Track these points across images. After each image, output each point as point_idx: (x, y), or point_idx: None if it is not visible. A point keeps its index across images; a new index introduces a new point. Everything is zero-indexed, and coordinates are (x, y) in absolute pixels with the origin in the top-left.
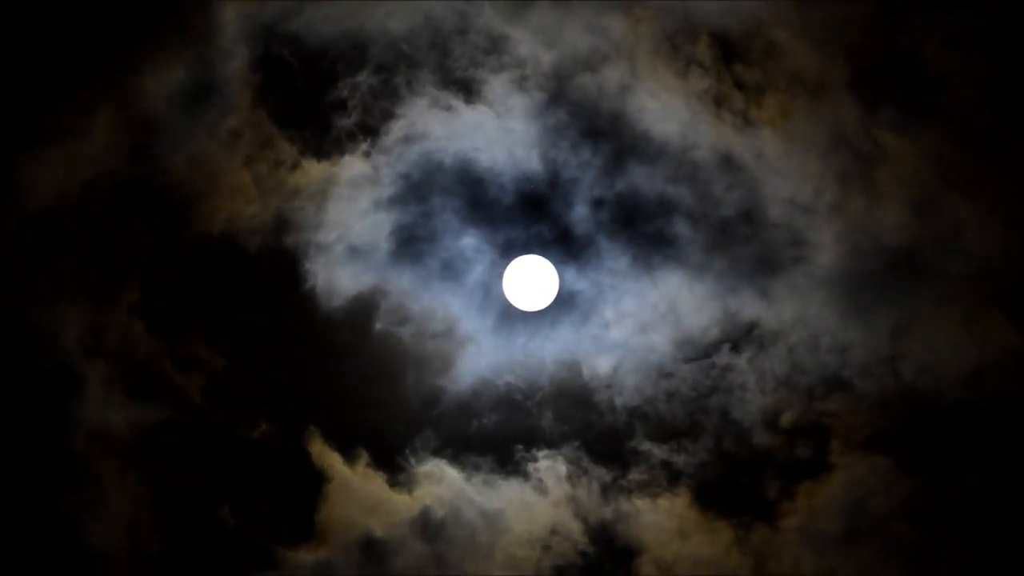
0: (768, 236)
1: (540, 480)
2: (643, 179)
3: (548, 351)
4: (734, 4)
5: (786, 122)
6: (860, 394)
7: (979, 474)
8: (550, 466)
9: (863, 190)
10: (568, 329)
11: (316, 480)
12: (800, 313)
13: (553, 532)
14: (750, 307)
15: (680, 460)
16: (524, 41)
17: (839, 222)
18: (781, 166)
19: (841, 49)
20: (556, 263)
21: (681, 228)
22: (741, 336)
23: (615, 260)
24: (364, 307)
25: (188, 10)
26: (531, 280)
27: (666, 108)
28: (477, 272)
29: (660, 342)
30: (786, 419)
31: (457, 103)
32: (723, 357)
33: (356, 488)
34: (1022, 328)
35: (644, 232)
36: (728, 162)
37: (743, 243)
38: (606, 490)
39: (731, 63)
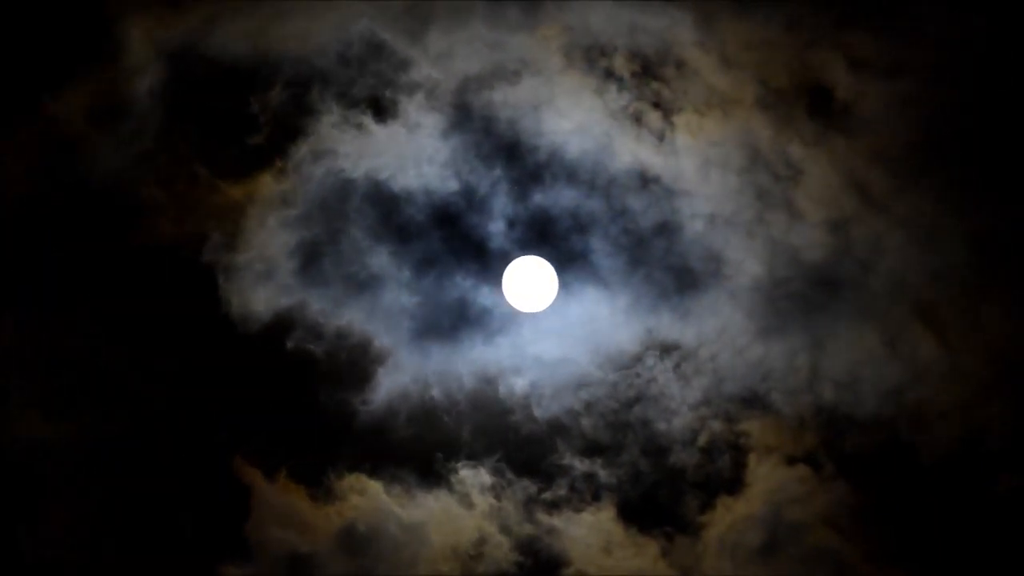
0: (687, 252)
1: (463, 493)
2: (559, 196)
3: (466, 365)
4: (646, 22)
5: (702, 140)
6: (779, 409)
7: (899, 486)
8: (472, 479)
9: (781, 207)
10: (486, 344)
11: (240, 497)
12: (719, 329)
13: (478, 545)
14: (669, 323)
15: (603, 474)
16: (435, 58)
17: (758, 239)
18: (699, 183)
19: (752, 69)
20: (472, 280)
21: (598, 244)
22: (661, 352)
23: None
24: (279, 325)
25: (99, 31)
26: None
27: (582, 125)
28: (391, 289)
29: (580, 357)
30: (705, 435)
31: (368, 121)
32: (643, 372)
33: (279, 504)
34: (940, 342)
35: (561, 248)
36: (646, 179)
37: (661, 260)
38: (530, 503)
39: (647, 80)
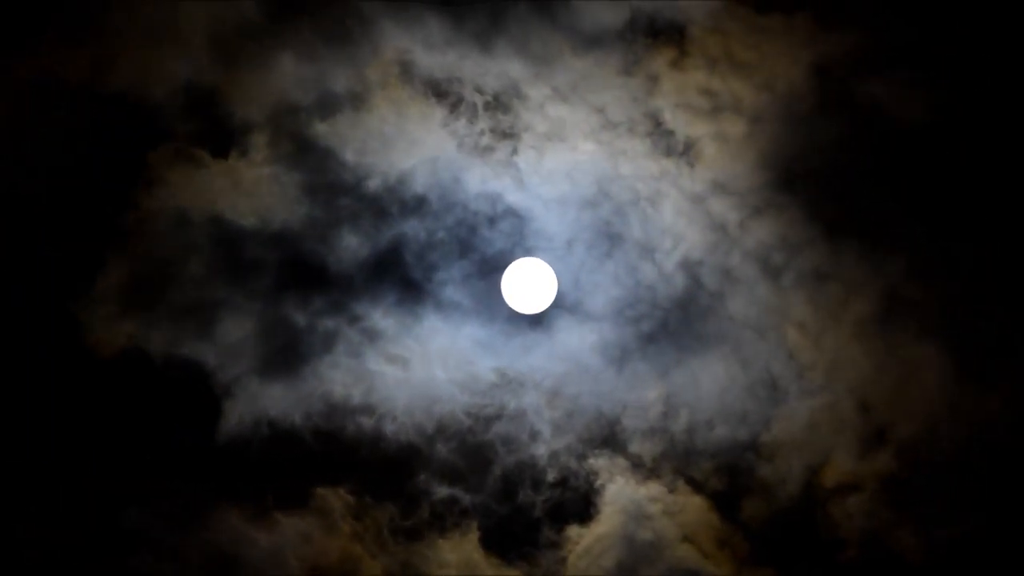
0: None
1: (324, 516)
2: (409, 226)
3: (320, 390)
4: (490, 57)
5: (553, 172)
6: (632, 436)
7: (751, 508)
8: (334, 502)
9: (631, 238)
10: (338, 369)
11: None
12: (572, 359)
13: (340, 570)
14: (521, 353)
15: (467, 499)
16: (278, 90)
17: (611, 269)
18: (549, 214)
19: (589, 101)
20: (319, 309)
21: (451, 274)
22: (515, 382)
23: (383, 304)
24: (130, 359)
25: None
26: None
27: (430, 155)
28: (238, 322)
29: (435, 385)
30: (562, 460)
31: (205, 155)
32: (498, 402)
33: None
34: (795, 371)
35: (411, 279)
36: (495, 209)
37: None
38: (393, 528)
39: (496, 111)
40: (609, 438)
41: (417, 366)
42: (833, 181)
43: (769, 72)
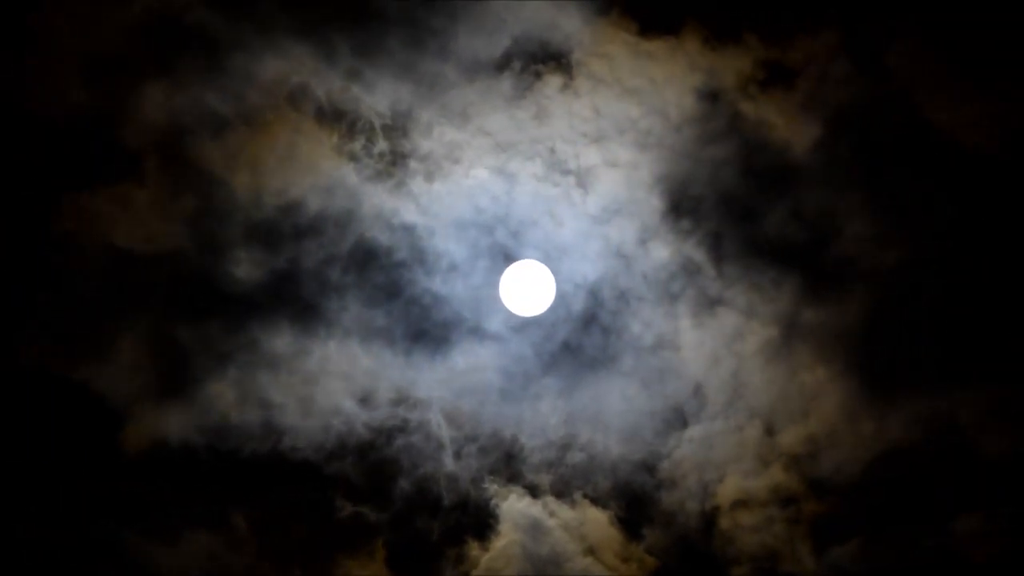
0: (436, 305)
1: (229, 535)
2: (303, 249)
3: (225, 411)
4: (387, 80)
5: (450, 193)
6: (531, 452)
7: (651, 524)
8: (242, 520)
9: (526, 259)
10: (242, 389)
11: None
12: (471, 378)
13: None
14: (415, 374)
15: (372, 517)
16: (166, 114)
17: (508, 291)
18: (447, 237)
19: (480, 126)
20: (216, 333)
21: (349, 297)
22: (414, 401)
23: (278, 327)
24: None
25: None
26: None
27: (324, 178)
28: (132, 345)
29: (336, 404)
30: (463, 481)
31: (97, 182)
32: (399, 421)
33: None
34: (693, 391)
35: (308, 301)
36: (392, 232)
37: (409, 313)
38: (302, 546)
39: (392, 134)
40: (509, 456)
41: (314, 387)
42: (728, 204)
43: (658, 97)
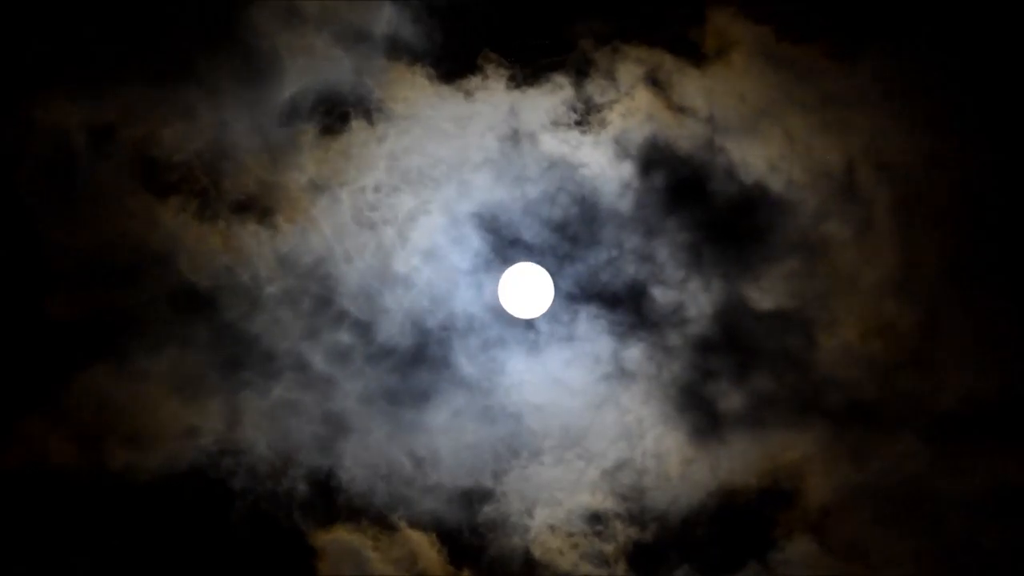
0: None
1: None
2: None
3: None
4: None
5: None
6: (354, 479)
7: (477, 551)
8: None
9: (351, 294)
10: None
11: None
12: (295, 410)
13: None
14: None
15: None
16: None
17: (346, 325)
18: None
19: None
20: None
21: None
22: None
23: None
24: None
25: None
26: None
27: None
28: None
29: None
30: (282, 505)
31: None
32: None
33: None
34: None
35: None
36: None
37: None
38: None
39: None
40: (330, 488)
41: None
42: (545, 245)
43: (465, 139)
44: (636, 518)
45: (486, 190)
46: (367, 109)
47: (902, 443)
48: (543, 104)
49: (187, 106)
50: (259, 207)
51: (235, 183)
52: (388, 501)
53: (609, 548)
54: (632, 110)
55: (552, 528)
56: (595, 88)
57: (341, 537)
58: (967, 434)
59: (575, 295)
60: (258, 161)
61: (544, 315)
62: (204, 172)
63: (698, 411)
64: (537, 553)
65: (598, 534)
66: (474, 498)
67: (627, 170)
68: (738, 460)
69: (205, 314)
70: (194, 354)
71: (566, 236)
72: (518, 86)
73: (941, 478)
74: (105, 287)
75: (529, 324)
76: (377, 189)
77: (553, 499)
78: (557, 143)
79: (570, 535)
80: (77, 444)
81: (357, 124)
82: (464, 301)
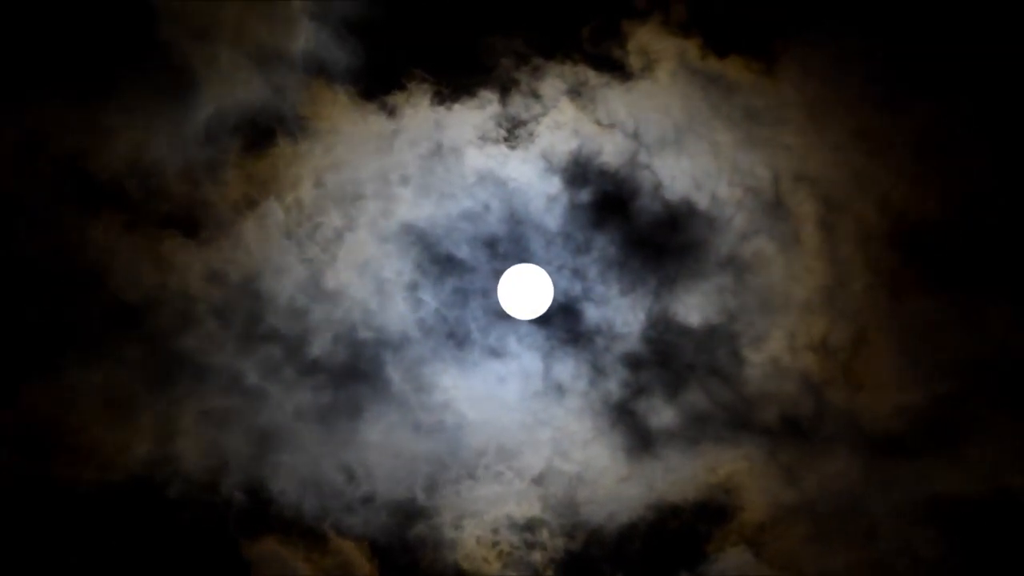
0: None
1: None
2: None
3: None
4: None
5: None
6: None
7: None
8: None
9: (282, 309)
10: None
11: None
12: (227, 427)
13: None
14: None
15: None
16: None
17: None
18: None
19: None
20: None
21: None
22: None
23: None
24: None
25: None
26: None
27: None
28: None
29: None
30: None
31: None
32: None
33: None
34: None
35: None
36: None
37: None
38: None
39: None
40: (261, 492)
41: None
42: (466, 260)
43: (393, 155)
44: (568, 531)
45: (413, 206)
46: (291, 127)
47: (835, 457)
48: (469, 119)
49: (112, 123)
50: (187, 223)
51: (163, 200)
52: (320, 513)
53: (538, 558)
54: (559, 124)
55: (483, 540)
56: (521, 103)
57: (272, 548)
58: (898, 447)
59: (506, 312)
60: (185, 178)
61: (477, 330)
62: (133, 189)
63: (631, 427)
64: (466, 566)
65: (530, 546)
66: (406, 511)
67: (555, 185)
68: (672, 475)
69: (136, 330)
70: (126, 369)
71: (495, 252)
72: (443, 102)
73: (874, 491)
74: (36, 304)
75: (462, 339)
76: (304, 206)
77: (485, 512)
78: (484, 158)
79: (502, 548)
80: (15, 458)
81: (282, 141)
82: (395, 317)
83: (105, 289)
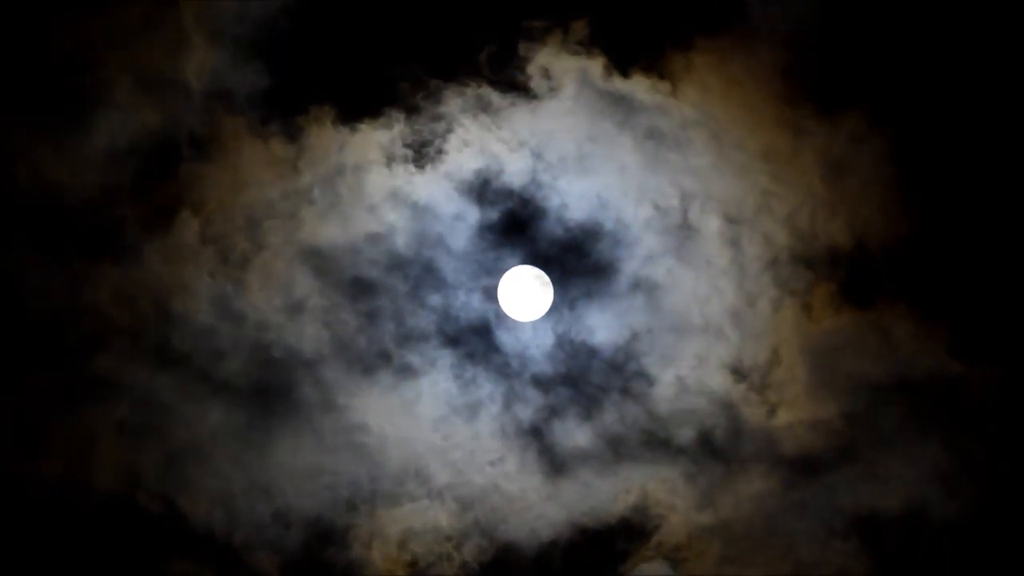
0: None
1: None
2: None
3: None
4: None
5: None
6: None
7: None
8: None
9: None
10: None
11: None
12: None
13: None
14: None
15: None
16: None
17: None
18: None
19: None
20: None
21: None
22: None
23: None
24: None
25: None
26: None
27: None
28: None
29: None
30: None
31: None
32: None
33: None
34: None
35: None
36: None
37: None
38: None
39: None
40: (175, 510)
41: None
42: (395, 283)
43: (301, 177)
44: (483, 551)
45: (319, 228)
46: (195, 150)
47: (751, 475)
48: (374, 140)
49: (15, 146)
50: (98, 245)
51: (74, 222)
52: (232, 531)
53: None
54: (465, 143)
55: (395, 559)
56: (425, 124)
57: (185, 568)
58: (813, 465)
59: (416, 332)
60: (92, 200)
61: (389, 351)
62: (43, 212)
63: (545, 447)
64: None
65: (444, 561)
66: (318, 530)
67: (461, 205)
68: (588, 495)
69: (50, 350)
70: (40, 389)
71: (405, 274)
72: (346, 123)
73: (790, 508)
74: None
75: (374, 360)
76: (211, 227)
77: (398, 531)
78: (390, 178)
79: (416, 567)
80: None
81: (187, 164)
82: (306, 337)
83: (18, 312)
